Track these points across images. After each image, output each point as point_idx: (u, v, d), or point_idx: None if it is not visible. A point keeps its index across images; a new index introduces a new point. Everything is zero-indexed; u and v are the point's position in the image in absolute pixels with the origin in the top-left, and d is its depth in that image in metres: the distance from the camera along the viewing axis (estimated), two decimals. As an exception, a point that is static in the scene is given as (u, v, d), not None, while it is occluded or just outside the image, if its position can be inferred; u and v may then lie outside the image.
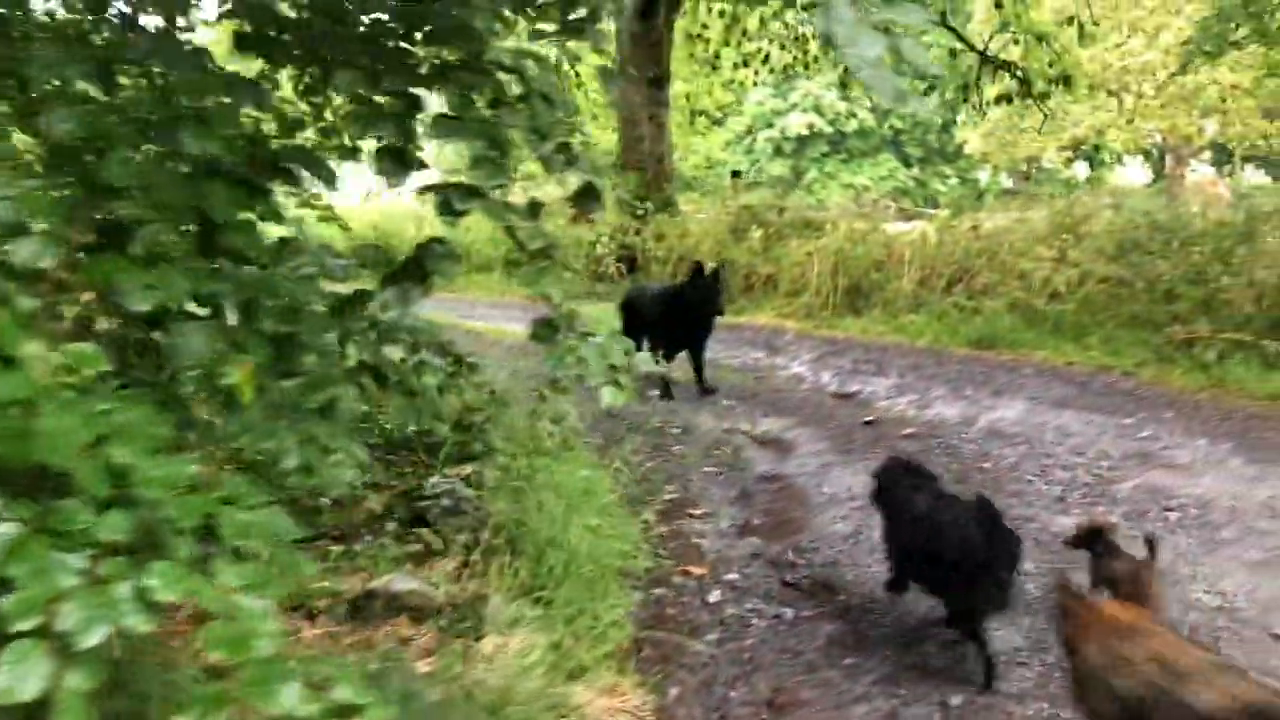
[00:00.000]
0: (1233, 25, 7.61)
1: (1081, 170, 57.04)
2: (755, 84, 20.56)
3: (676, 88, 21.70)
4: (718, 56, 18.59)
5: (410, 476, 5.52)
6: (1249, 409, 6.88)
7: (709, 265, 8.36)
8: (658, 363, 8.16)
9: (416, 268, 2.48)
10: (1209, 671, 2.49)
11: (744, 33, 17.95)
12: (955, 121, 43.59)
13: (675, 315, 8.20)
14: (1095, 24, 15.45)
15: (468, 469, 5.68)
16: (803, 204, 14.91)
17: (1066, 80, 15.73)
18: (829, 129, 57.18)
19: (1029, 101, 16.37)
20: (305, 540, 4.93)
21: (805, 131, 57.18)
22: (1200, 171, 45.59)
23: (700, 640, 4.24)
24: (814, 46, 17.58)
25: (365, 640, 3.93)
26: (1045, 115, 16.64)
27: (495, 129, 2.42)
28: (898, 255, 11.36)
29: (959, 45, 15.80)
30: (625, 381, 2.80)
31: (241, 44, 2.32)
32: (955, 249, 11.25)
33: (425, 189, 2.48)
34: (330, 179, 2.48)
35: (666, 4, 14.38)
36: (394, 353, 5.15)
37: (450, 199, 2.40)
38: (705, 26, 18.03)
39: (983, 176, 55.44)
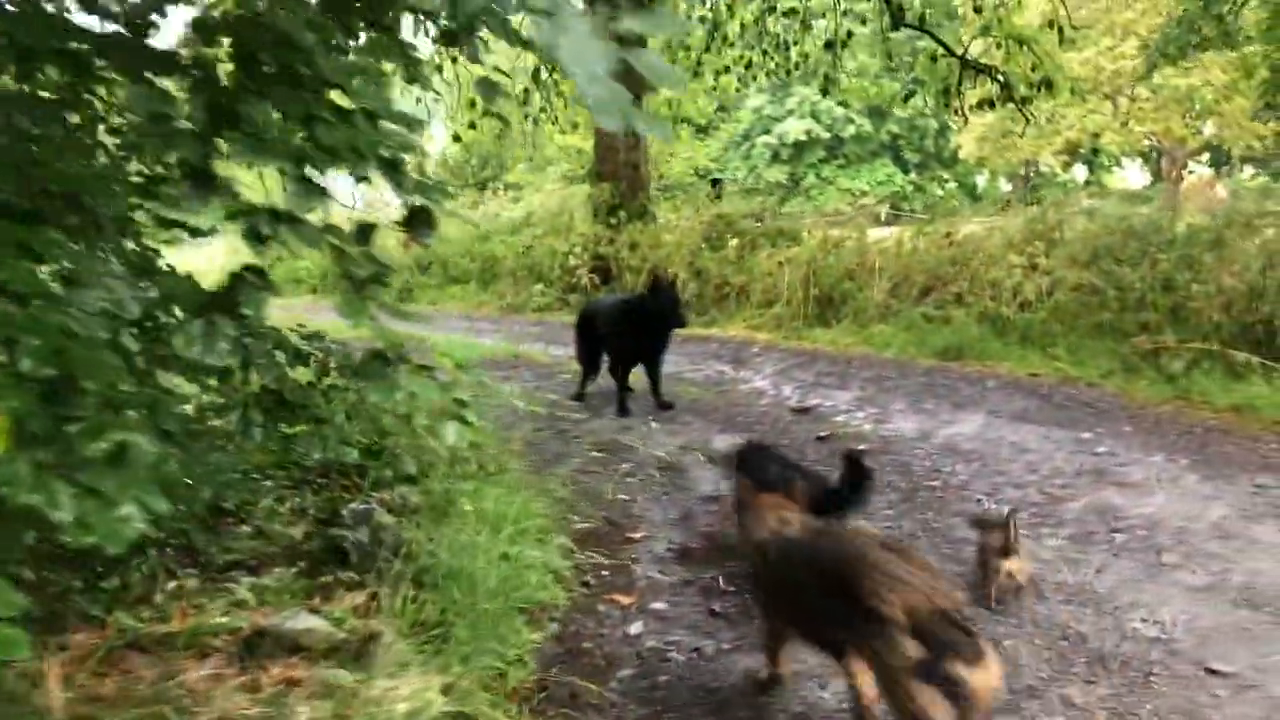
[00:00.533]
0: (1195, 28, 7.40)
1: (1080, 173, 57.05)
2: (738, 90, 20.36)
3: (660, 94, 21.57)
4: (699, 63, 18.40)
5: (337, 501, 5.32)
6: (1210, 422, 6.67)
7: (666, 276, 8.17)
8: (618, 379, 8.00)
9: (227, 300, 2.28)
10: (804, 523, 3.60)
11: (725, 39, 17.78)
12: (950, 126, 43.54)
13: (632, 328, 8.01)
14: (1075, 28, 15.23)
15: (392, 493, 5.52)
16: (780, 212, 14.71)
17: (1048, 85, 15.52)
18: (826, 134, 57.23)
19: (1010, 105, 16.18)
20: (220, 571, 4.75)
21: (803, 137, 57.23)
22: (1198, 173, 45.43)
23: (613, 677, 4.04)
24: (795, 53, 17.42)
25: (252, 683, 3.73)
26: (1028, 120, 16.40)
27: (303, 148, 2.23)
28: (870, 264, 11.18)
29: (939, 49, 15.58)
30: (472, 418, 2.60)
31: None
32: (928, 257, 11.07)
33: (231, 214, 2.28)
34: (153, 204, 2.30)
35: (641, 10, 14.20)
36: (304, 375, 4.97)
37: (257, 225, 2.21)
38: (686, 32, 17.83)
39: (980, 181, 55.40)
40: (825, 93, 17.40)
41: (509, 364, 10.34)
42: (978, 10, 15.86)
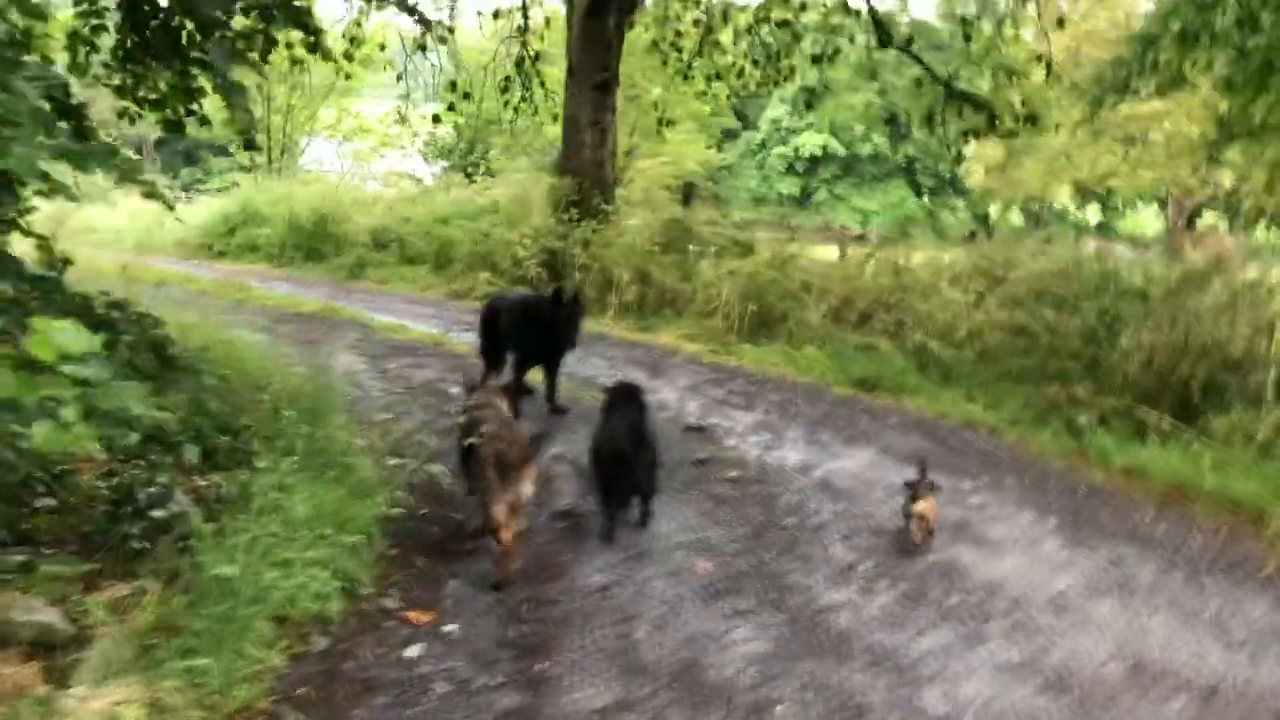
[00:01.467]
0: (1128, 72, 7.10)
1: (1093, 214, 56.58)
2: (729, 98, 20.09)
3: (654, 94, 21.25)
4: (690, 66, 18.10)
5: (134, 483, 5.02)
6: (1098, 483, 6.33)
7: (569, 291, 7.87)
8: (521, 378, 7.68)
9: None
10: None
11: (717, 44, 17.48)
12: (963, 154, 43.07)
13: (531, 327, 7.73)
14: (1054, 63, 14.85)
15: (216, 478, 5.24)
16: (744, 222, 14.40)
17: (1034, 119, 15.19)
18: (843, 151, 56.85)
19: (1008, 137, 15.83)
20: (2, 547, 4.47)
21: (818, 151, 56.84)
22: (1212, 225, 44.83)
23: (362, 704, 3.75)
24: (786, 63, 17.11)
25: (-49, 678, 3.45)
26: (1010, 152, 16.07)
27: None
28: (813, 285, 10.87)
29: (924, 74, 15.24)
30: (74, 417, 2.29)
31: None
32: (874, 283, 10.77)
33: None
34: None
35: (618, 6, 13.90)
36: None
37: None
38: (679, 34, 17.55)
39: (994, 211, 54.81)
40: (809, 106, 17.10)
41: (427, 351, 10.07)
42: (967, 39, 15.57)
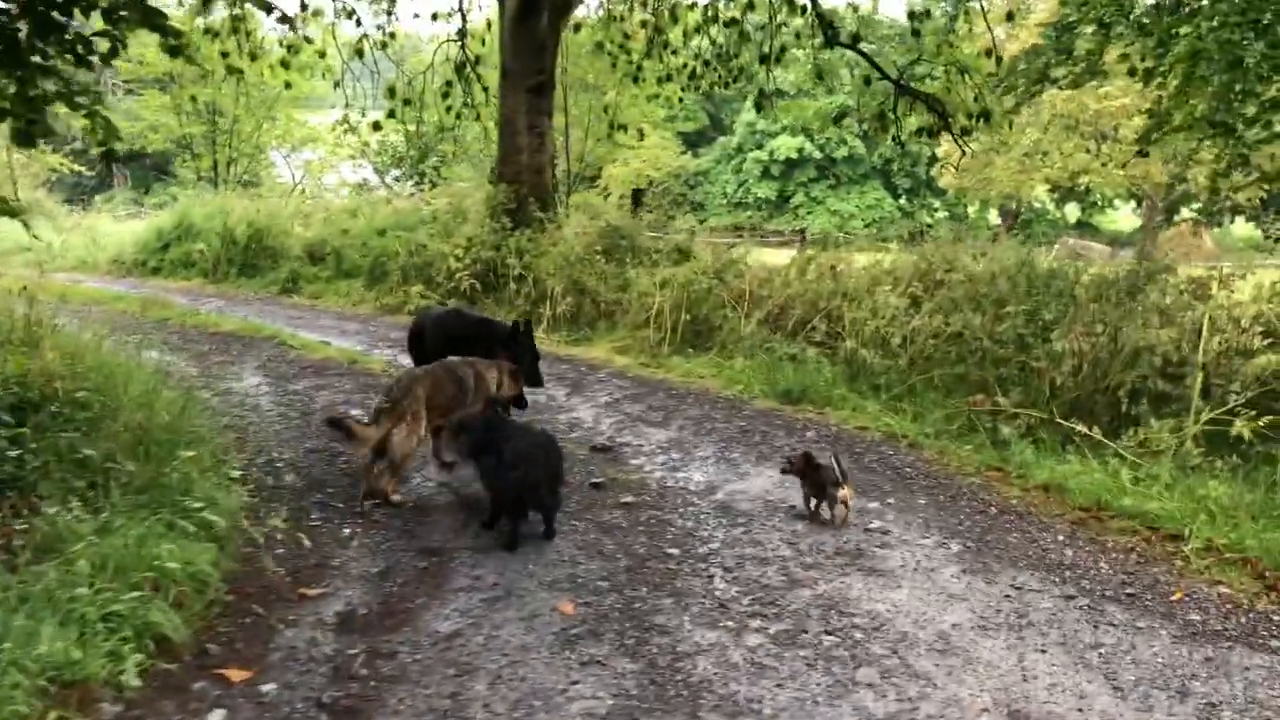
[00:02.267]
0: (1043, 62, 6.72)
1: (1072, 211, 56.39)
2: (680, 100, 19.69)
3: (608, 98, 20.86)
4: (640, 69, 17.70)
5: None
6: (1013, 501, 5.92)
7: (521, 322, 7.51)
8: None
9: None
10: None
11: (666, 45, 17.08)
12: (935, 155, 42.76)
13: (459, 344, 7.34)
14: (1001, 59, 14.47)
15: (37, 522, 4.78)
16: (687, 229, 13.94)
17: (986, 116, 14.79)
18: (818, 154, 56.64)
19: (963, 135, 15.42)
20: None
21: (794, 154, 56.61)
22: (1189, 220, 44.58)
23: (140, 782, 3.31)
24: (736, 62, 16.73)
25: None
26: (964, 152, 15.69)
27: None
28: (749, 293, 10.45)
29: (873, 72, 14.84)
30: None
31: None
32: (811, 289, 10.35)
33: None
34: None
35: (551, 6, 13.49)
36: None
37: None
38: (627, 37, 17.17)
39: (971, 211, 54.58)
40: (759, 108, 16.70)
41: (339, 370, 9.59)
42: (916, 34, 15.19)
